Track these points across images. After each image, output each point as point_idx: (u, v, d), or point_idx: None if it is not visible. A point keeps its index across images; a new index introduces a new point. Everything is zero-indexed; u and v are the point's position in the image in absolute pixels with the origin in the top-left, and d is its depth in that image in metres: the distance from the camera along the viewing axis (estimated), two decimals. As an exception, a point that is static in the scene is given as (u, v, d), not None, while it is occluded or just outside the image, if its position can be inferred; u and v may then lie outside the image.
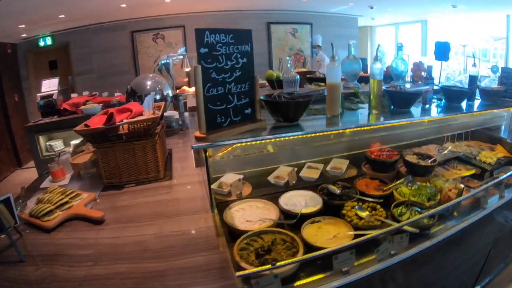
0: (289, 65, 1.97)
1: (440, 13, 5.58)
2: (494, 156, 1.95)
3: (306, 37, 6.07)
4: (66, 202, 1.40)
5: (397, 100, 1.59)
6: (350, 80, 2.09)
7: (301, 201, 1.56)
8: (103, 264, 1.06)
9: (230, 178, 1.65)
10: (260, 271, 0.99)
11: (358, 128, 1.45)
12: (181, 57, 4.85)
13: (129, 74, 4.98)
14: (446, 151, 1.98)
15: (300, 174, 1.77)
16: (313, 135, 1.31)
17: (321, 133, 1.33)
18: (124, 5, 3.80)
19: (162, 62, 5.22)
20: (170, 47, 5.11)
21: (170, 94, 2.32)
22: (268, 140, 1.29)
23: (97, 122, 1.58)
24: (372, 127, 1.48)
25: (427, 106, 1.74)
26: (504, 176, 1.66)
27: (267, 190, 1.69)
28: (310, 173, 1.79)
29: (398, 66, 2.12)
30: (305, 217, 1.40)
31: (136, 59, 4.97)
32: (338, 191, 1.61)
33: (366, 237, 1.21)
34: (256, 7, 5.34)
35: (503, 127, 2.12)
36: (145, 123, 1.57)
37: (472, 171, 1.83)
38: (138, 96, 2.29)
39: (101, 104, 4.08)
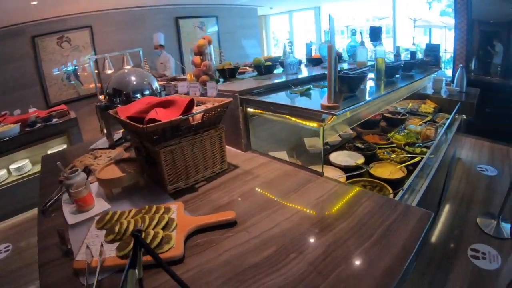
0: (289, 51, 2.30)
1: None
2: (430, 107, 2.80)
3: (213, 30, 6.36)
4: (168, 220, 1.09)
5: (388, 72, 2.16)
6: (325, 61, 2.58)
7: (346, 158, 1.97)
8: (308, 247, 0.96)
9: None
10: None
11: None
12: (94, 59, 4.45)
13: (36, 86, 4.25)
14: (401, 108, 2.72)
15: (328, 140, 2.17)
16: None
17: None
18: (35, 2, 3.26)
19: (65, 68, 4.61)
20: (77, 50, 4.57)
21: (159, 88, 2.27)
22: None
23: (161, 115, 1.30)
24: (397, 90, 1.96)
25: (397, 76, 2.38)
26: (450, 117, 2.46)
27: (302, 159, 2.01)
28: (334, 138, 2.21)
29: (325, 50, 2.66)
30: (357, 168, 1.82)
31: (40, 68, 4.26)
32: (363, 146, 2.10)
33: (419, 166, 1.72)
34: (163, 2, 5.29)
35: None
36: (219, 109, 1.43)
37: (429, 118, 2.60)
38: (125, 95, 2.10)
39: (19, 124, 3.48)
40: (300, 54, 3.19)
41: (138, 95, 2.10)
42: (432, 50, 2.76)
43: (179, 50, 5.93)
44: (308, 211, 1.17)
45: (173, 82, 2.07)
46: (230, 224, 1.11)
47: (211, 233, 1.08)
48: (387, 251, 0.92)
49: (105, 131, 1.95)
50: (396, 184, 1.63)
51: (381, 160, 1.92)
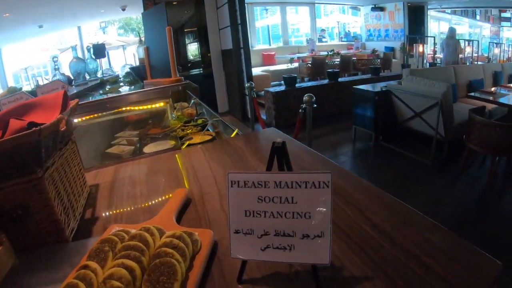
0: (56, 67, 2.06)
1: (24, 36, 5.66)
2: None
3: None
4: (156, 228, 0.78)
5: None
6: (78, 78, 2.54)
7: (157, 146, 2.15)
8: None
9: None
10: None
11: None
12: None
13: None
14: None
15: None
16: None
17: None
18: None
19: None
20: None
21: None
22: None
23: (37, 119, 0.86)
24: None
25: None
26: (193, 100, 3.10)
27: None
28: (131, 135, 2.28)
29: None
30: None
31: None
32: (160, 136, 2.33)
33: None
34: None
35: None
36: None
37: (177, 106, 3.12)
38: None
39: None
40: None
41: None
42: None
43: None
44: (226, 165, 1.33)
45: None
46: (187, 205, 1.01)
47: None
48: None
49: None
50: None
51: (183, 137, 2.24)
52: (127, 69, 3.85)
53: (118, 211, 1.08)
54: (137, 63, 4.92)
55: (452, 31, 8.88)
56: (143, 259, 0.67)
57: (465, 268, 0.63)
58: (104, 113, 1.53)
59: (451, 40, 8.62)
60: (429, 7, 11.98)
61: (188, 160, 1.42)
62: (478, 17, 13.39)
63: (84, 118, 1.59)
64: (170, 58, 1.50)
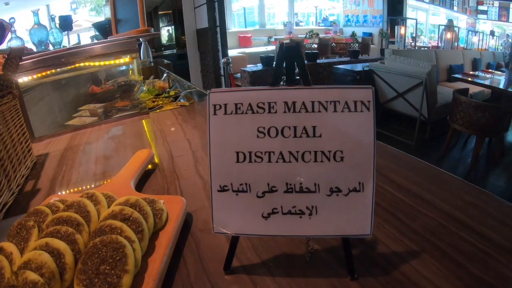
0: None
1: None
2: (139, 77, 3.05)
3: None
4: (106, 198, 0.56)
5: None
6: (39, 47, 2.23)
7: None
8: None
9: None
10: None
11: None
12: None
13: None
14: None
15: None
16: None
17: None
18: None
19: None
20: None
21: None
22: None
23: None
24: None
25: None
26: (165, 74, 2.83)
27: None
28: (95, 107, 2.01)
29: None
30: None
31: None
32: (128, 107, 2.07)
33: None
34: None
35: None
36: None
37: (148, 81, 2.85)
38: None
39: None
40: None
41: None
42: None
43: None
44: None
45: None
46: (152, 171, 0.81)
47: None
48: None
49: None
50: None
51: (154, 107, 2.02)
52: (92, 33, 3.49)
53: (67, 182, 0.85)
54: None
55: (450, 21, 9.61)
56: (78, 238, 0.45)
57: (523, 234, 0.49)
58: (61, 69, 1.26)
59: (449, 30, 9.25)
60: (408, -6, 11.95)
61: (157, 124, 1.20)
62: (455, 8, 13.54)
63: (37, 76, 1.31)
64: (138, 5, 1.25)
